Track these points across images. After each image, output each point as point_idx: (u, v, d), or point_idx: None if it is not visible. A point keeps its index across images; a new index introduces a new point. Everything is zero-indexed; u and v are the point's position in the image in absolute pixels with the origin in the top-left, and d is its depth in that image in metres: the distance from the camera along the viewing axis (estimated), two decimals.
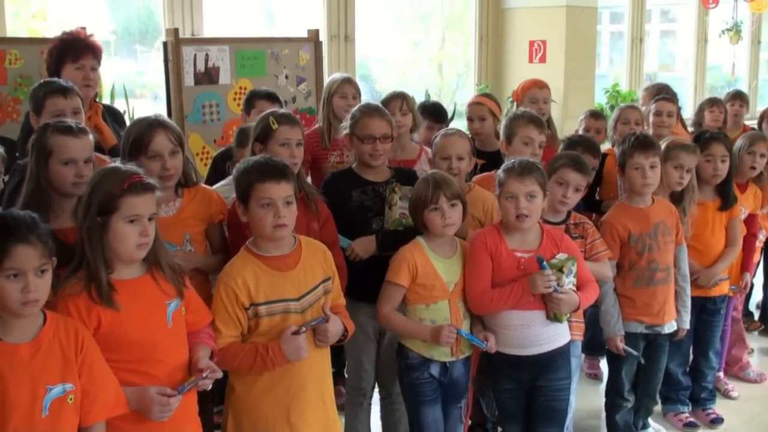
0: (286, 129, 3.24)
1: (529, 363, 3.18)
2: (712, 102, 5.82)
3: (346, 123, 3.56)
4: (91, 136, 2.94)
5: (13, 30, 5.34)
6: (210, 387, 2.54)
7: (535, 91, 4.79)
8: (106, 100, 5.10)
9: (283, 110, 3.49)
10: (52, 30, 6.06)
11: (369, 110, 3.54)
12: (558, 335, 3.21)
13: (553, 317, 3.14)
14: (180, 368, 2.51)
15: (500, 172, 3.22)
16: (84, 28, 4.14)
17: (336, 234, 3.27)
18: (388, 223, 3.37)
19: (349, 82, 4.45)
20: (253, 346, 2.73)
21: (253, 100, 4.19)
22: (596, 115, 4.99)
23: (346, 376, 3.77)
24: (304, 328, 2.73)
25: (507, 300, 3.10)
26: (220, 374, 2.56)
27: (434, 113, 4.76)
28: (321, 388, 2.89)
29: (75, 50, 3.76)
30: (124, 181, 2.37)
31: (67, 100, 3.34)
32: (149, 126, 2.95)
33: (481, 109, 4.49)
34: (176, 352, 2.51)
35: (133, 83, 6.34)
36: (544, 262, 3.05)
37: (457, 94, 7.78)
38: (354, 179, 3.49)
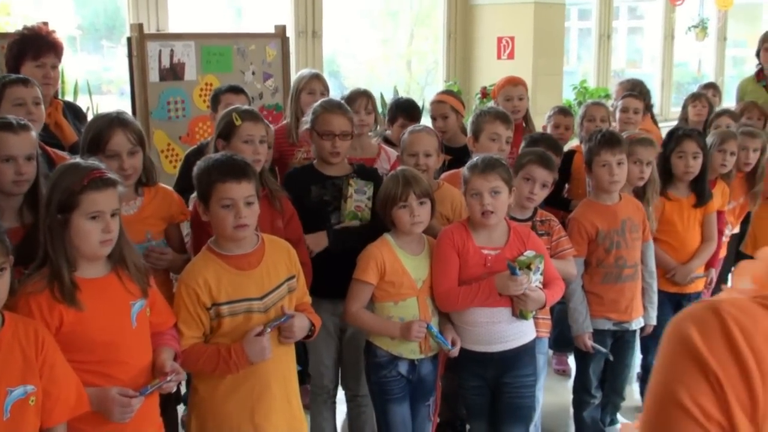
0: (249, 125, 3.19)
1: (494, 360, 3.18)
2: (695, 97, 5.87)
3: (308, 118, 3.54)
4: (33, 133, 2.82)
5: None
6: (174, 389, 2.51)
7: (508, 88, 4.78)
8: (69, 97, 5.02)
9: (246, 106, 3.44)
10: (17, 25, 5.99)
11: (330, 106, 3.51)
12: (523, 332, 3.22)
13: (519, 314, 3.14)
14: (143, 370, 2.46)
15: (465, 169, 3.22)
16: (46, 24, 4.07)
17: (301, 231, 3.24)
18: (343, 216, 3.36)
19: (317, 78, 4.42)
20: (215, 348, 2.69)
21: (218, 96, 4.13)
22: (564, 111, 4.99)
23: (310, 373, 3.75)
24: (268, 329, 2.69)
25: (474, 298, 3.09)
26: (183, 377, 2.52)
27: (407, 110, 4.72)
28: (286, 387, 2.86)
29: (36, 47, 3.67)
30: (84, 177, 2.31)
31: (27, 88, 3.25)
32: (108, 124, 2.89)
33: (443, 107, 4.47)
34: (140, 353, 2.47)
35: (100, 79, 6.24)
36: (517, 270, 3.02)
37: (426, 90, 7.75)
38: (314, 174, 3.46)
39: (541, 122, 5.09)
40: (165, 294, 2.94)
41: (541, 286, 3.15)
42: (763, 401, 0.86)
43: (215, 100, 4.13)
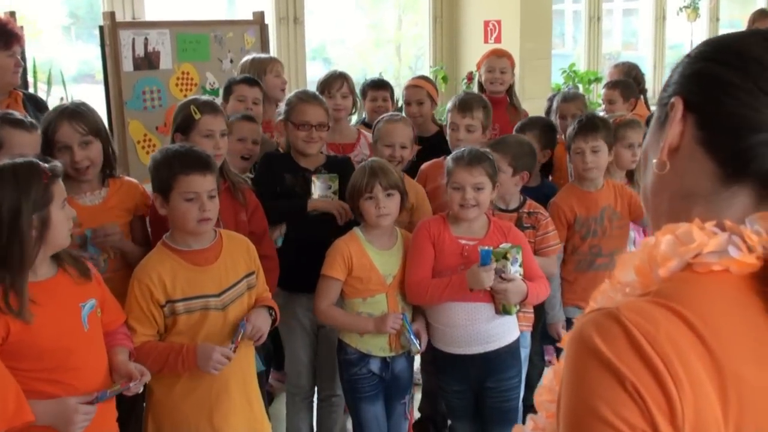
0: (209, 119, 3.08)
1: (475, 362, 3.04)
2: None
3: (281, 109, 3.44)
4: (39, 131, 2.81)
5: None
6: (141, 391, 2.42)
7: (492, 59, 4.66)
8: (59, 87, 4.94)
9: (205, 98, 3.32)
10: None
11: (306, 97, 3.41)
12: (506, 331, 3.08)
13: (503, 310, 3.02)
14: (98, 374, 2.36)
15: (449, 159, 3.11)
16: (12, 13, 3.94)
17: (266, 223, 3.14)
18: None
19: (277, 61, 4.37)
20: (168, 345, 2.60)
21: (230, 86, 4.00)
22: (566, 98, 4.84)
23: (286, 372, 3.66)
24: (232, 346, 2.60)
25: (444, 290, 2.96)
26: (148, 377, 2.43)
27: (374, 83, 4.57)
28: (245, 388, 2.78)
29: (5, 37, 3.56)
30: (50, 168, 2.23)
31: None
32: (56, 116, 2.82)
33: (419, 92, 4.31)
34: (94, 357, 2.36)
35: (93, 68, 6.12)
36: (489, 259, 2.89)
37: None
38: (288, 162, 3.37)
39: (529, 107, 4.98)
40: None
41: (521, 277, 3.03)
42: (680, 405, 0.84)
43: (227, 90, 4.01)
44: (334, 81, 4.03)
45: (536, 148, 3.63)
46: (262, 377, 3.22)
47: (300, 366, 3.41)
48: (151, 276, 2.59)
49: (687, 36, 9.78)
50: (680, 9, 9.03)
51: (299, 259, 3.17)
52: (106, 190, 2.94)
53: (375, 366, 3.06)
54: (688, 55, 1.08)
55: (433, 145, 3.86)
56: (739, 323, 0.90)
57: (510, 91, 4.70)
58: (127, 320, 2.58)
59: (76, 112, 2.83)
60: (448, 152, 3.53)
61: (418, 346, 2.98)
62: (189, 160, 2.64)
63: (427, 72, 7.06)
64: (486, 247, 2.93)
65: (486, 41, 6.94)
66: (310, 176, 3.31)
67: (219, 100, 3.76)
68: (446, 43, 7.24)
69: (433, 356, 3.18)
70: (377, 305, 3.00)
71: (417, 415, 3.88)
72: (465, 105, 3.65)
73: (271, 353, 3.89)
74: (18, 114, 2.82)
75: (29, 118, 2.84)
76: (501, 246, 3.01)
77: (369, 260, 3.00)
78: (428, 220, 3.13)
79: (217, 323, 2.66)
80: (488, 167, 3.04)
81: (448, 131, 3.68)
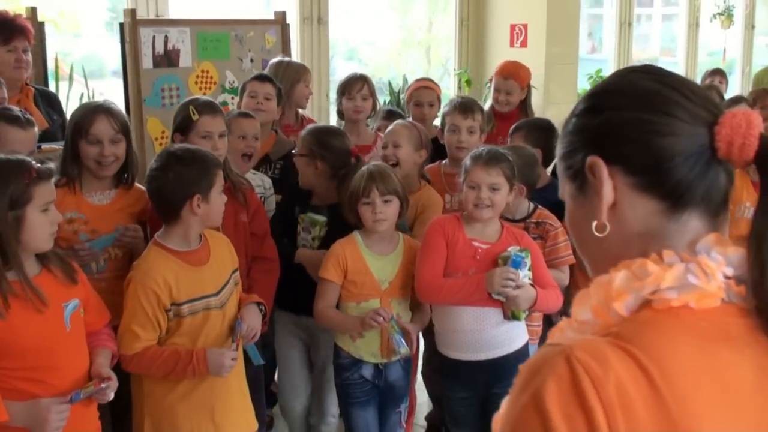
0: (207, 120, 3.07)
1: (483, 368, 2.98)
2: (709, 88, 5.70)
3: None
4: (36, 128, 2.89)
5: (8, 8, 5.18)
6: (111, 398, 2.38)
7: (498, 81, 4.63)
8: (63, 83, 4.97)
9: (205, 98, 3.32)
10: (44, 12, 5.98)
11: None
12: (514, 337, 3.02)
13: (511, 315, 2.96)
14: (79, 375, 2.36)
15: (467, 158, 3.07)
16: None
17: (267, 225, 3.13)
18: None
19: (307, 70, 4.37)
20: (174, 350, 2.58)
21: (245, 85, 4.02)
22: None
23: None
24: (233, 344, 2.63)
25: (458, 291, 2.91)
26: (115, 384, 2.40)
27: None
28: (240, 383, 2.81)
29: (5, 32, 3.60)
30: (31, 169, 2.23)
31: None
32: (93, 111, 2.88)
33: (431, 93, 4.31)
34: (75, 357, 2.37)
35: None
36: (521, 261, 2.86)
37: (444, 80, 7.58)
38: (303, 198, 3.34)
39: (555, 113, 4.91)
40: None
41: (531, 282, 2.96)
42: None
43: (242, 89, 4.03)
44: (355, 83, 4.01)
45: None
46: (260, 371, 3.21)
47: (289, 384, 3.40)
48: (157, 280, 2.56)
49: (721, 43, 9.63)
50: (714, 16, 8.87)
51: (292, 277, 3.15)
52: (115, 191, 2.97)
53: (367, 372, 3.03)
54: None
55: (435, 148, 3.80)
56: (701, 371, 0.87)
57: (525, 104, 4.63)
58: (129, 325, 2.57)
59: (111, 110, 2.91)
60: (444, 157, 3.50)
61: (405, 346, 2.90)
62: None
63: (451, 74, 7.02)
64: (517, 252, 2.89)
65: (512, 45, 6.88)
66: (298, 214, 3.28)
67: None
68: (472, 46, 7.18)
69: (439, 362, 3.13)
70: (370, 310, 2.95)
71: (423, 424, 3.86)
72: (466, 107, 3.62)
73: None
74: (16, 110, 2.86)
75: (27, 115, 2.87)
76: (508, 250, 2.97)
77: (364, 264, 2.97)
78: (443, 218, 3.08)
79: (218, 322, 2.68)
80: (506, 168, 2.99)
81: (446, 134, 3.64)
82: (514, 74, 4.62)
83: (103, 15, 5.80)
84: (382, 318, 2.84)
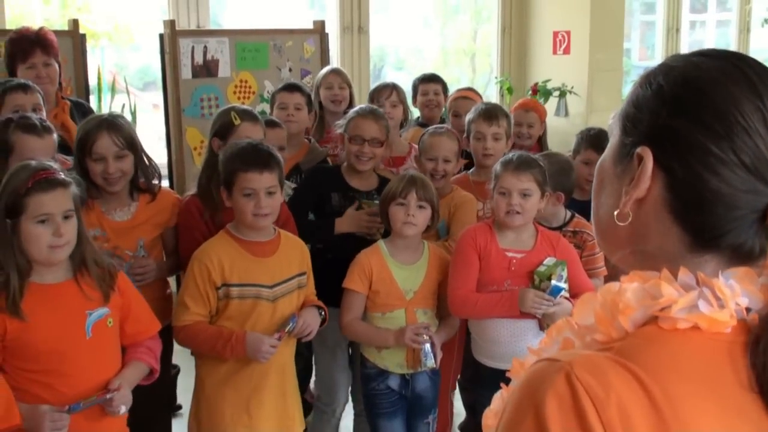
0: (248, 126, 3.12)
1: None
2: None
3: (342, 122, 3.43)
4: (55, 135, 2.91)
5: (61, 23, 5.29)
6: (122, 412, 2.33)
7: (519, 113, 4.47)
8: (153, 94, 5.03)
9: (245, 107, 3.35)
10: (97, 24, 6.09)
11: (363, 112, 3.39)
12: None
13: (547, 327, 2.91)
14: (94, 385, 2.32)
15: (497, 164, 3.02)
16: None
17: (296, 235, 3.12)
18: None
19: (335, 72, 4.34)
20: (217, 328, 2.69)
21: (273, 96, 4.04)
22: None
23: (312, 386, 3.62)
24: (276, 336, 2.66)
25: (493, 308, 2.88)
26: (127, 399, 2.36)
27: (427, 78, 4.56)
28: (283, 381, 2.84)
29: (22, 50, 3.63)
30: (29, 178, 2.21)
31: (27, 95, 3.25)
32: (96, 127, 2.85)
33: (471, 104, 4.22)
34: (90, 366, 2.33)
35: None
36: (560, 293, 2.83)
37: (488, 88, 7.53)
38: (338, 180, 3.34)
39: (598, 120, 4.81)
40: (160, 295, 2.90)
41: (567, 296, 2.89)
42: None
43: (272, 100, 4.05)
44: (383, 90, 3.99)
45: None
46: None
47: (329, 381, 3.38)
48: (212, 258, 2.69)
49: None
50: (765, 20, 8.66)
51: (332, 274, 3.12)
52: (135, 206, 2.96)
53: (394, 382, 2.99)
54: (660, 85, 0.94)
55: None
56: (705, 394, 0.82)
57: (542, 139, 4.55)
58: (183, 297, 2.69)
59: (115, 125, 2.87)
60: (471, 165, 3.46)
61: (432, 359, 2.88)
62: (250, 158, 2.72)
63: (492, 83, 6.96)
64: (558, 284, 2.84)
65: (555, 52, 6.80)
66: (359, 198, 3.28)
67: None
68: (515, 53, 7.11)
69: (475, 370, 3.09)
70: (395, 320, 2.93)
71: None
72: (490, 114, 3.55)
73: (311, 364, 3.86)
74: (34, 118, 2.87)
75: (45, 123, 2.88)
76: (544, 264, 2.91)
77: (389, 274, 2.94)
78: (474, 229, 3.03)
79: (266, 314, 2.75)
80: (537, 174, 2.94)
81: (471, 141, 3.58)
82: (533, 107, 4.56)
83: (158, 28, 5.91)
84: (424, 336, 2.85)
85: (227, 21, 6.25)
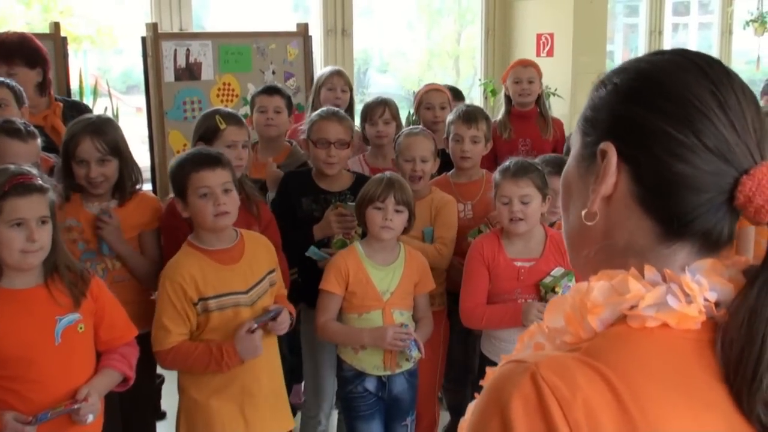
0: (233, 130, 3.13)
1: None
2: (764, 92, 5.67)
3: (305, 126, 3.41)
4: (39, 140, 2.88)
5: (42, 27, 5.25)
6: (89, 421, 2.29)
7: (518, 69, 4.56)
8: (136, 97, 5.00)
9: (227, 109, 3.35)
10: (79, 27, 6.06)
11: (325, 114, 3.37)
12: None
13: None
14: (61, 391, 2.28)
15: (496, 172, 3.05)
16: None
17: (278, 238, 3.11)
18: (333, 244, 3.18)
19: (338, 74, 4.34)
20: (206, 346, 2.63)
21: (253, 99, 4.00)
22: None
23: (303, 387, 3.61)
24: (255, 325, 2.63)
25: (501, 319, 2.96)
26: (95, 408, 2.31)
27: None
28: (272, 380, 2.81)
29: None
30: (6, 182, 2.19)
31: None
32: (81, 130, 2.86)
33: (441, 96, 4.24)
34: (59, 373, 2.28)
35: None
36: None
37: (473, 91, 7.55)
38: (308, 185, 3.32)
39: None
40: (141, 299, 2.88)
41: None
42: None
43: (251, 102, 4.01)
44: (376, 107, 3.93)
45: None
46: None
47: (317, 386, 3.36)
48: (183, 274, 2.62)
49: (755, 50, 9.46)
50: (747, 23, 8.72)
51: (319, 277, 3.10)
52: (114, 203, 2.96)
53: (371, 384, 2.98)
54: (614, 83, 0.95)
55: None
56: (673, 392, 0.82)
57: (539, 101, 4.58)
58: (161, 320, 2.61)
59: (99, 130, 2.86)
60: (451, 167, 3.46)
61: (417, 349, 2.88)
62: (199, 158, 2.69)
63: (476, 85, 6.97)
64: (561, 279, 2.91)
65: (538, 54, 6.81)
66: (331, 200, 3.26)
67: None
68: (498, 55, 7.13)
69: (480, 365, 3.14)
70: (372, 321, 2.93)
71: None
72: (469, 116, 3.55)
73: (294, 367, 3.84)
74: (18, 122, 2.85)
75: (29, 128, 2.86)
76: (551, 275, 2.94)
77: (366, 275, 2.94)
78: (482, 240, 3.07)
79: (248, 319, 2.69)
80: (536, 178, 2.95)
81: (450, 143, 3.59)
82: (532, 63, 4.64)
83: (140, 31, 5.91)
84: (406, 336, 2.85)
85: (210, 24, 6.24)
